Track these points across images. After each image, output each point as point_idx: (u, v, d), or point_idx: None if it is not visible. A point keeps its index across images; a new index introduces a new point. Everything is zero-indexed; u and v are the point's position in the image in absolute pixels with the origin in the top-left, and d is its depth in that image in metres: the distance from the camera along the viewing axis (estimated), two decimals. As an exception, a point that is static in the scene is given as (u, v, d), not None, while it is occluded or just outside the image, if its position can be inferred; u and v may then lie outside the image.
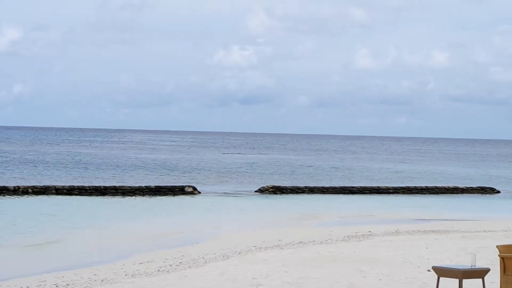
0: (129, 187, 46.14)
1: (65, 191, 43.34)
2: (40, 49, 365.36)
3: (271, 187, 48.99)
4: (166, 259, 20.40)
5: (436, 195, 50.23)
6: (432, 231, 27.42)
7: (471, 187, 54.26)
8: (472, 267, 13.53)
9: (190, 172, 67.02)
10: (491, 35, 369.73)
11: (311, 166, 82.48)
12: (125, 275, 17.85)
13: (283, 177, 63.46)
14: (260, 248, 22.26)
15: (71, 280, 17.53)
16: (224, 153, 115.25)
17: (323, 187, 50.80)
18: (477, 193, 52.47)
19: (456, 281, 13.66)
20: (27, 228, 28.36)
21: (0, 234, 26.41)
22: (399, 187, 52.77)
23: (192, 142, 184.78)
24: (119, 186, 46.03)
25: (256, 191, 48.77)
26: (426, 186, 53.54)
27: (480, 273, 13.60)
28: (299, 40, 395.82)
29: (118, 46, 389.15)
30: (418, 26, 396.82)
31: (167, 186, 47.70)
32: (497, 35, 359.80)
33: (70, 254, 22.53)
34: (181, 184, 49.18)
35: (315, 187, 50.51)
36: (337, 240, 24.25)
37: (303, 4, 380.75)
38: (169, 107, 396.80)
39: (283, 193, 48.20)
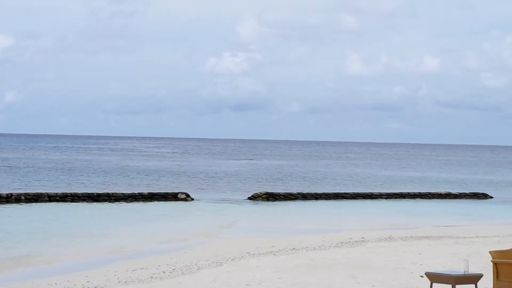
0: (122, 193, 46.08)
1: (58, 198, 43.25)
2: (32, 56, 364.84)
3: (264, 194, 48.98)
4: (159, 265, 20.38)
5: (429, 201, 50.29)
6: (425, 237, 27.46)
7: (464, 193, 54.35)
8: (465, 273, 13.57)
9: (183, 179, 66.97)
10: (482, 41, 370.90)
11: (304, 173, 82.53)
12: (118, 282, 17.82)
13: (276, 184, 63.47)
14: (253, 254, 22.25)
15: (64, 286, 17.51)
16: (219, 159, 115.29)
17: (316, 193, 50.82)
18: (470, 198, 52.57)
19: (449, 287, 13.70)
20: (22, 234, 28.30)
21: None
22: (392, 193, 52.84)
23: (184, 149, 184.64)
24: (112, 193, 45.96)
25: (249, 198, 48.76)
26: (419, 192, 53.63)
27: (473, 279, 13.64)
28: (290, 46, 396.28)
29: (109, 54, 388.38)
30: (409, 32, 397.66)
31: (160, 192, 47.66)
32: (488, 40, 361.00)
33: (63, 260, 22.48)
34: (174, 191, 49.16)
35: (308, 194, 50.53)
36: (330, 246, 24.26)
37: (294, 10, 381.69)
38: (161, 114, 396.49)
39: (276, 199, 48.19)
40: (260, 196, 48.45)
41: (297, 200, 48.22)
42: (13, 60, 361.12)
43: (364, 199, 49.80)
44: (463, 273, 13.55)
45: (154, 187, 56.06)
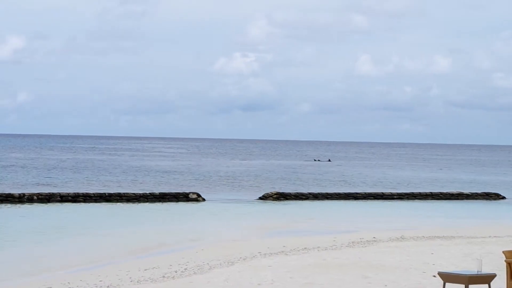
0: (134, 194, 46.15)
1: (70, 198, 43.37)
2: (42, 57, 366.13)
3: (275, 194, 48.97)
4: (171, 265, 20.40)
5: (440, 201, 50.16)
6: (437, 237, 27.38)
7: (476, 193, 54.13)
8: (478, 273, 13.53)
9: (194, 179, 67.03)
10: (493, 41, 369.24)
11: (315, 173, 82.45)
12: (131, 281, 17.86)
13: (286, 184, 63.45)
14: (265, 254, 22.24)
15: (77, 285, 17.57)
16: (229, 160, 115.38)
17: (327, 193, 50.75)
18: (482, 199, 52.36)
19: (462, 287, 13.65)
20: (35, 234, 28.43)
21: (13, 238, 26.53)
22: (404, 193, 52.70)
23: (194, 149, 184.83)
24: (124, 193, 46.04)
25: (260, 198, 48.75)
26: (431, 192, 53.48)
27: (486, 279, 13.59)
28: (300, 47, 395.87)
29: (119, 54, 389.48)
30: (419, 32, 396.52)
31: (171, 192, 47.70)
32: (499, 40, 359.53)
33: (75, 260, 22.54)
34: (185, 191, 49.20)
35: (319, 193, 50.47)
36: (341, 246, 24.23)
37: (304, 11, 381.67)
38: (171, 114, 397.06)
39: (287, 199, 48.17)
40: (271, 196, 48.44)
41: (308, 200, 48.18)
42: (24, 61, 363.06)
43: (375, 199, 49.70)
44: (476, 273, 13.50)
45: (165, 187, 56.13)
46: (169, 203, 44.23)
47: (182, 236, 29.10)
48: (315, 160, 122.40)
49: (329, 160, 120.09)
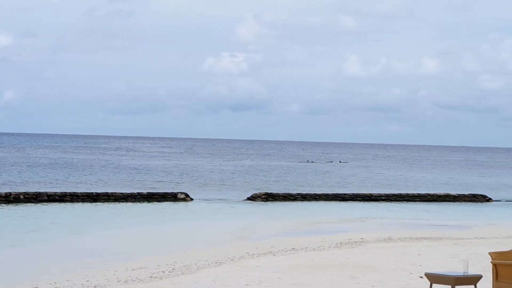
0: (121, 193, 46.07)
1: (57, 197, 43.24)
2: (31, 55, 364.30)
3: (263, 194, 48.99)
4: (158, 265, 20.39)
5: (428, 203, 50.33)
6: (424, 238, 27.49)
7: (463, 195, 54.36)
8: (465, 274, 13.59)
9: (182, 179, 66.98)
10: (481, 43, 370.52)
11: (303, 173, 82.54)
12: (118, 282, 17.84)
13: (275, 184, 63.49)
14: (253, 254, 22.26)
15: (64, 286, 17.52)
16: (218, 160, 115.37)
17: (316, 194, 50.83)
18: (469, 200, 52.58)
19: (448, 288, 13.72)
20: (21, 234, 28.34)
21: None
22: (391, 194, 52.84)
23: (183, 148, 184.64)
24: (111, 193, 45.95)
25: (248, 198, 48.77)
26: (418, 193, 53.65)
27: (472, 280, 13.66)
28: (289, 47, 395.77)
29: (108, 53, 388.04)
30: (408, 34, 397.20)
31: (159, 192, 47.66)
32: (486, 43, 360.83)
33: (62, 259, 22.49)
34: (174, 191, 49.15)
35: (307, 194, 50.54)
36: (329, 247, 24.28)
37: (293, 11, 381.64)
38: (160, 113, 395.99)
39: (275, 200, 48.21)
40: (259, 197, 48.46)
41: (297, 201, 48.23)
42: (12, 59, 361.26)
43: (363, 200, 49.81)
44: (462, 274, 13.56)
45: (154, 186, 56.06)
46: (157, 203, 44.19)
47: (169, 236, 29.07)
48: (308, 161, 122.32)
49: (309, 161, 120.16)
